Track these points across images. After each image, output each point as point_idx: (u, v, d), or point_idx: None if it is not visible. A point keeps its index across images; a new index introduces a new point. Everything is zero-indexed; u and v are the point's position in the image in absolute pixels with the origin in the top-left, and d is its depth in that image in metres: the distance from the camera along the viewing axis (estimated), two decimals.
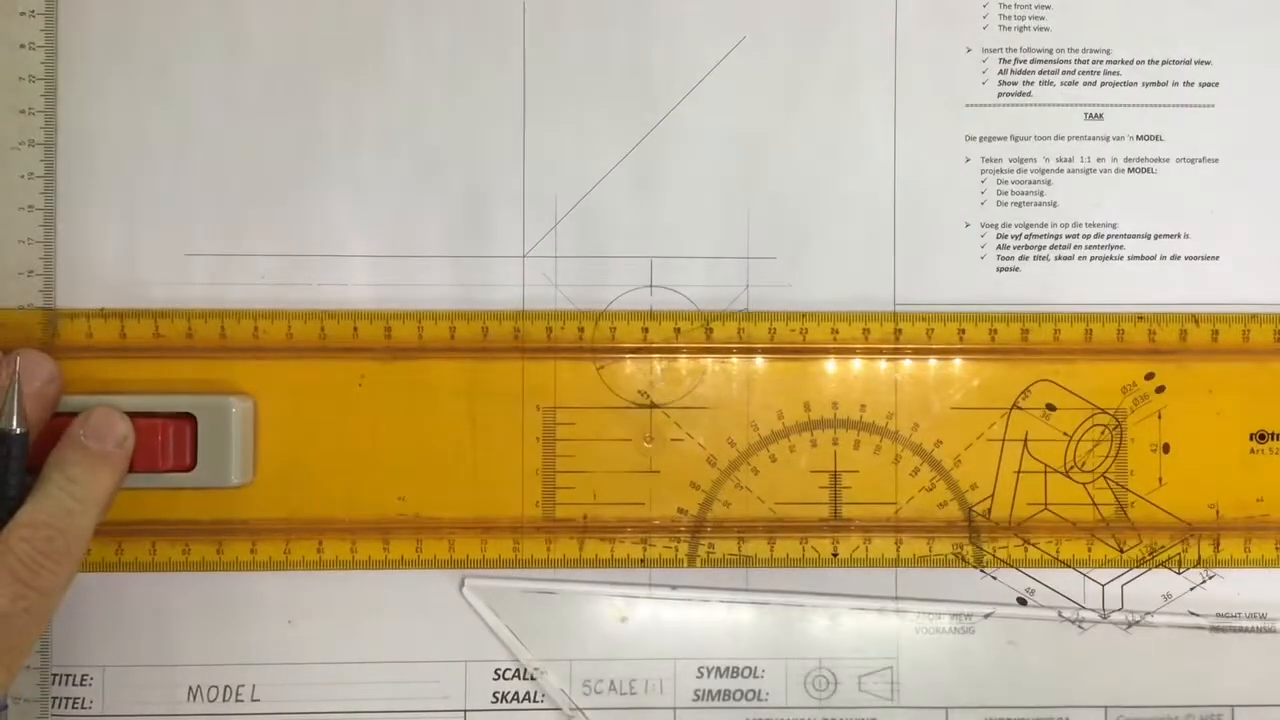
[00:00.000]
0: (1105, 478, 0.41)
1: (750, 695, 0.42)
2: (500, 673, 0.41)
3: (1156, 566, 0.42)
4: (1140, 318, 0.41)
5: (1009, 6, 0.42)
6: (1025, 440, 0.41)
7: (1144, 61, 0.42)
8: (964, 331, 0.41)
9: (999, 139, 0.42)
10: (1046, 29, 0.42)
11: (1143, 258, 0.42)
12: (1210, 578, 0.42)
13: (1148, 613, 0.42)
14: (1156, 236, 0.42)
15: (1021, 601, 0.42)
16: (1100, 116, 0.42)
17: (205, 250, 0.41)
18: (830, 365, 0.41)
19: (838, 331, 0.41)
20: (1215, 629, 0.42)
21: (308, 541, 0.41)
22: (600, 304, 0.41)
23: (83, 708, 0.41)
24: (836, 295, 0.42)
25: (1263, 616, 0.42)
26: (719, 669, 0.42)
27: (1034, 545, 0.41)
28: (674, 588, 0.41)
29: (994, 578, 0.42)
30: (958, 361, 0.41)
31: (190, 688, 0.41)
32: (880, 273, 0.42)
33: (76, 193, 0.41)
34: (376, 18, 0.41)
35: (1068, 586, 0.42)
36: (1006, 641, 0.42)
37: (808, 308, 0.41)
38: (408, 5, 0.41)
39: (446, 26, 0.41)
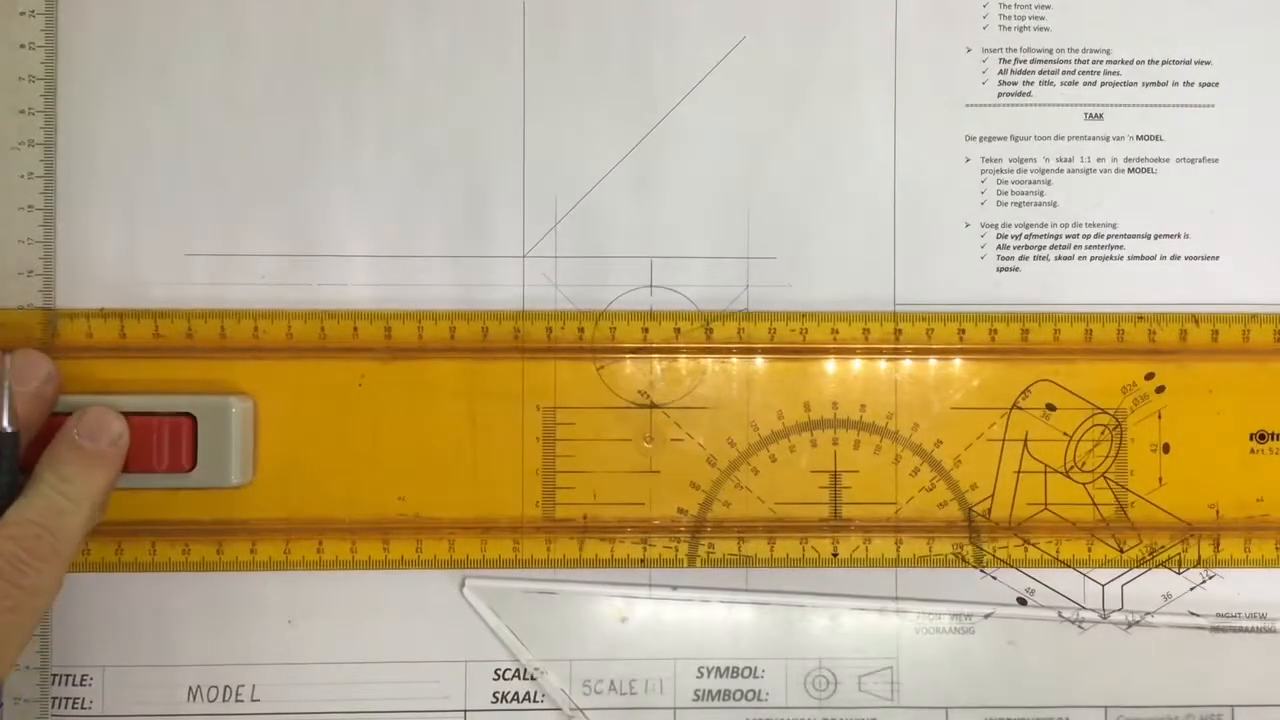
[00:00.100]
0: (1105, 478, 0.41)
1: (750, 695, 0.42)
2: (500, 673, 0.41)
3: (1156, 566, 0.42)
4: (1140, 318, 0.41)
5: (1009, 6, 0.42)
6: (1025, 440, 0.41)
7: (1144, 61, 0.42)
8: (964, 331, 0.41)
9: (999, 139, 0.42)
10: (1046, 29, 0.42)
11: (1143, 258, 0.42)
12: (1210, 578, 0.42)
13: (1148, 613, 0.42)
14: (1156, 236, 0.42)
15: (1021, 601, 0.42)
16: (1100, 116, 0.42)
17: (205, 250, 0.41)
18: (830, 365, 0.41)
19: (838, 331, 0.41)
20: (1215, 629, 0.42)
21: (308, 541, 0.41)
22: (600, 304, 0.41)
23: (83, 708, 0.41)
24: (836, 295, 0.42)
25: (1263, 616, 0.42)
26: (719, 669, 0.42)
27: (1034, 545, 0.41)
28: (674, 588, 0.41)
29: (994, 578, 0.42)
30: (958, 361, 0.41)
31: (190, 688, 0.41)
32: (880, 273, 0.42)
33: (76, 193, 0.41)
34: (376, 18, 0.41)
35: (1068, 586, 0.42)
36: (1006, 641, 0.42)
37: (808, 308, 0.41)
38: (408, 5, 0.41)
39: (446, 26, 0.41)
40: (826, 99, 0.42)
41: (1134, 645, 0.42)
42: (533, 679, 0.41)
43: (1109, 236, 0.42)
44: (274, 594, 0.41)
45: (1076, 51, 0.42)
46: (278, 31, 0.41)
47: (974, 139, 0.42)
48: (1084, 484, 0.41)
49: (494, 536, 0.41)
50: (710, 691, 0.42)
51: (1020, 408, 0.41)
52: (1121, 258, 0.42)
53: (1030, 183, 0.42)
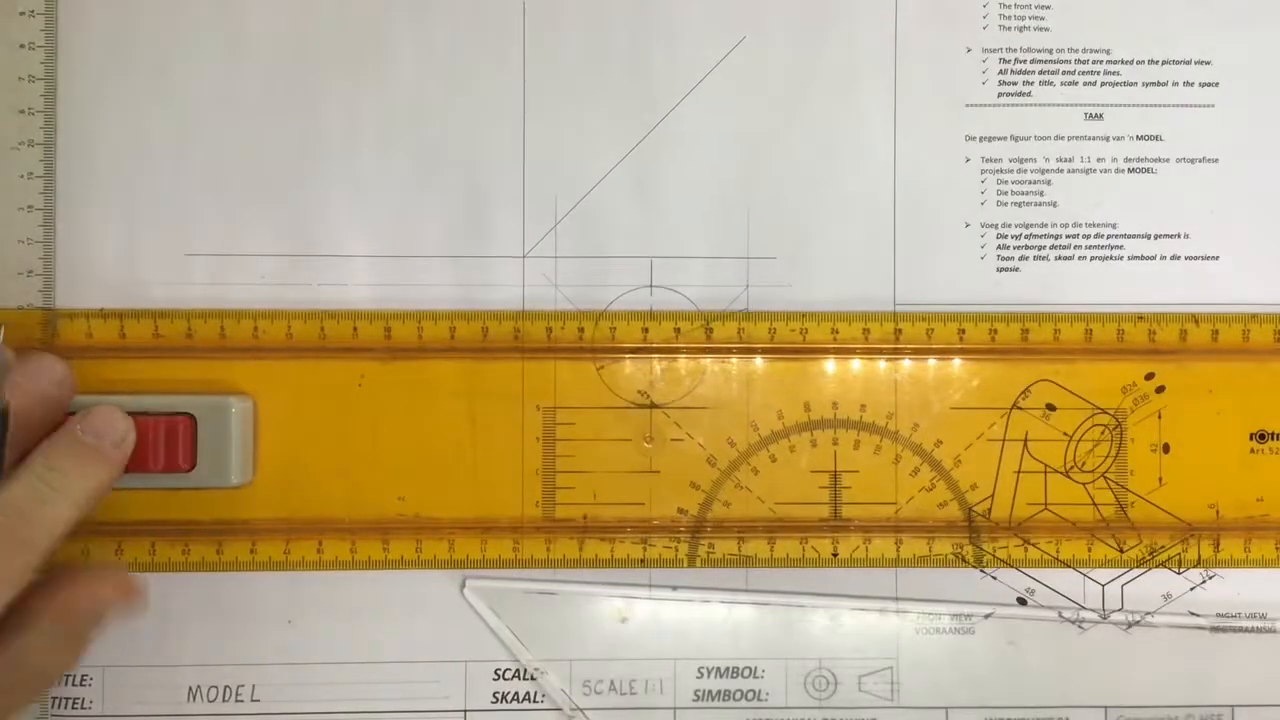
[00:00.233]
0: (1105, 478, 0.41)
1: (750, 695, 0.42)
2: (500, 673, 0.41)
3: (1156, 566, 0.42)
4: (1140, 318, 0.41)
5: (1009, 6, 0.42)
6: (1025, 440, 0.41)
7: (1144, 61, 0.42)
8: (964, 331, 0.41)
9: (999, 139, 0.42)
10: (1046, 29, 0.42)
11: (1143, 258, 0.42)
12: (1210, 578, 0.42)
13: (1148, 613, 0.42)
14: (1156, 236, 0.42)
15: (1021, 601, 0.42)
16: (1100, 116, 0.42)
17: (205, 250, 0.41)
18: (830, 365, 0.41)
19: (838, 331, 0.41)
20: (1215, 629, 0.42)
21: (308, 541, 0.41)
22: (600, 304, 0.41)
23: (83, 708, 0.41)
24: (836, 295, 0.42)
25: (1263, 616, 0.42)
26: (719, 669, 0.42)
27: (1034, 545, 0.41)
28: (674, 588, 0.41)
29: (994, 578, 0.42)
30: (957, 361, 0.41)
31: (190, 688, 0.41)
32: (880, 273, 0.42)
33: (76, 193, 0.41)
34: (376, 18, 0.41)
35: (1068, 586, 0.42)
36: (1006, 641, 0.42)
37: (808, 308, 0.41)
38: (408, 5, 0.41)
39: (446, 26, 0.41)
40: (826, 99, 0.42)
41: (1134, 645, 0.42)
42: (533, 679, 0.41)
43: (1109, 236, 0.42)
44: (274, 594, 0.41)
45: (1076, 51, 0.42)
46: (278, 31, 0.41)
47: (974, 139, 0.42)
48: (1084, 484, 0.41)
49: (494, 536, 0.41)
50: (710, 691, 0.42)
51: (1020, 408, 0.41)
52: (1121, 258, 0.42)
53: (1030, 183, 0.42)
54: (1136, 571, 0.42)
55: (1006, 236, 0.42)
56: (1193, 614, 0.42)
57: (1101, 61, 0.42)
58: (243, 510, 0.40)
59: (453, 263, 0.41)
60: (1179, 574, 0.42)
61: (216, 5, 0.41)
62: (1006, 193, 0.42)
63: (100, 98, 0.41)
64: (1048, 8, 0.42)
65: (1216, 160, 0.42)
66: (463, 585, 0.41)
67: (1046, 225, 0.42)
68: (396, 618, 0.41)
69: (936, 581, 0.42)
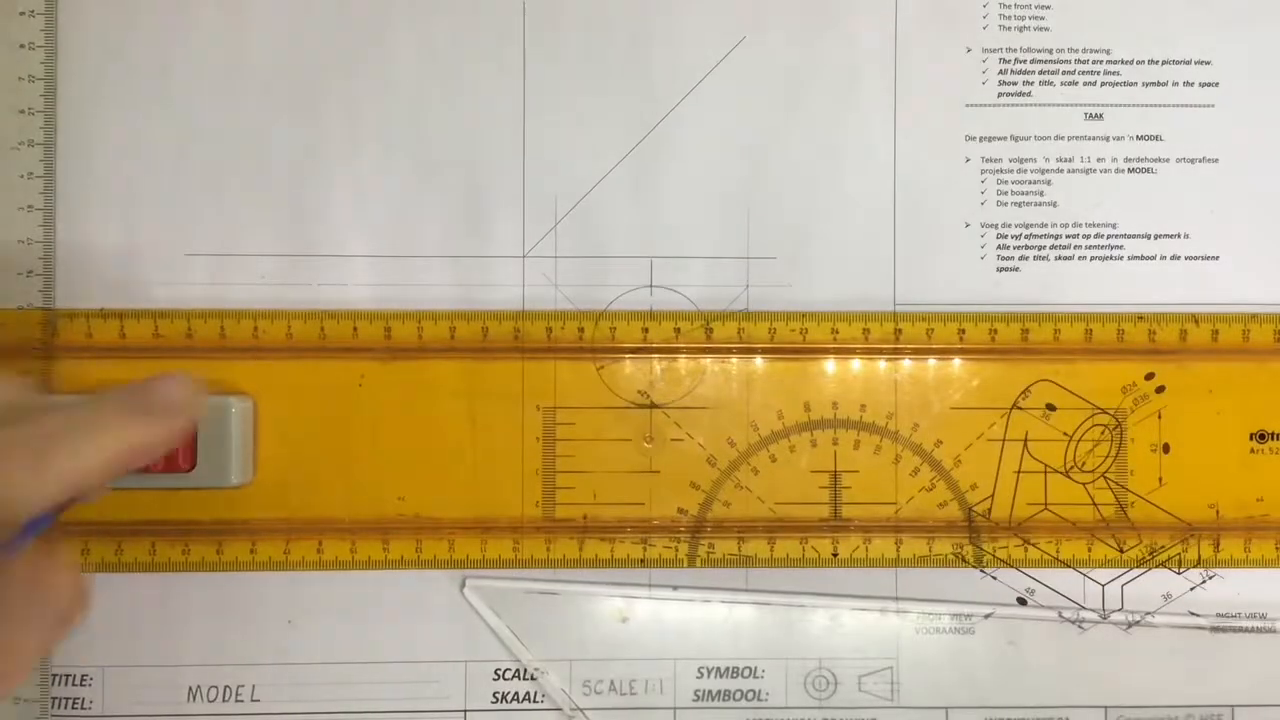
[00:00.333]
0: (1105, 478, 0.41)
1: (750, 695, 0.42)
2: (500, 673, 0.41)
3: (1156, 566, 0.42)
4: (1140, 318, 0.41)
5: (1009, 6, 0.42)
6: (1025, 440, 0.41)
7: (1144, 61, 0.42)
8: (964, 331, 0.41)
9: (999, 139, 0.42)
10: (1046, 29, 0.42)
11: (1143, 258, 0.42)
12: (1210, 578, 0.42)
13: (1148, 613, 0.42)
14: (1156, 236, 0.42)
15: (1021, 601, 0.42)
16: (1100, 116, 0.42)
17: (205, 250, 0.41)
18: (830, 365, 0.41)
19: (838, 331, 0.41)
20: (1215, 629, 0.42)
21: (308, 541, 0.41)
22: (600, 304, 0.41)
23: (83, 708, 0.41)
24: (836, 295, 0.42)
25: (1263, 616, 0.42)
26: (719, 669, 0.42)
27: (1034, 545, 0.41)
28: (675, 588, 0.41)
29: (994, 578, 0.42)
30: (957, 361, 0.41)
31: (190, 688, 0.41)
32: (880, 273, 0.42)
33: (76, 193, 0.41)
34: (376, 18, 0.41)
35: (1068, 586, 0.42)
36: (1006, 641, 0.42)
37: (808, 308, 0.41)
38: (408, 5, 0.41)
39: (446, 26, 0.41)
40: (826, 99, 0.42)
41: (1134, 645, 0.42)
42: (533, 679, 0.41)
43: (1109, 236, 0.42)
44: (274, 594, 0.41)
45: (1076, 51, 0.42)
46: (278, 32, 0.41)
47: (974, 139, 0.42)
48: (1084, 484, 0.41)
49: (494, 536, 0.41)
50: (710, 692, 0.42)
51: (1020, 408, 0.41)
52: (1121, 258, 0.42)
53: (1030, 183, 0.42)
54: (1136, 571, 0.42)
55: (1006, 236, 0.42)
56: (1193, 614, 0.42)
57: (1101, 61, 0.42)
58: (242, 510, 0.40)
59: (453, 263, 0.41)
60: (1179, 574, 0.42)
61: (216, 5, 0.41)
62: (1006, 193, 0.42)
63: (100, 98, 0.41)
64: (1048, 8, 0.42)
65: (1216, 160, 0.42)
66: (463, 585, 0.41)
67: (1046, 225, 0.42)
68: (396, 618, 0.41)
69: (936, 581, 0.42)
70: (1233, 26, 0.42)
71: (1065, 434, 0.41)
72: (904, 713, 0.42)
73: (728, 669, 0.42)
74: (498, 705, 0.41)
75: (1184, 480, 0.41)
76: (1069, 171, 0.42)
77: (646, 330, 0.41)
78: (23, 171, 0.40)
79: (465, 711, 0.41)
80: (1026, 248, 0.42)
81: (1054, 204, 0.42)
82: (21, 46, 0.40)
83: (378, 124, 0.41)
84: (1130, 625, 0.42)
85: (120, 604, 0.41)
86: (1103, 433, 0.41)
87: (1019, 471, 0.41)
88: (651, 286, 0.41)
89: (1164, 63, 0.42)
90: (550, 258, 0.41)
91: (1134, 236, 0.42)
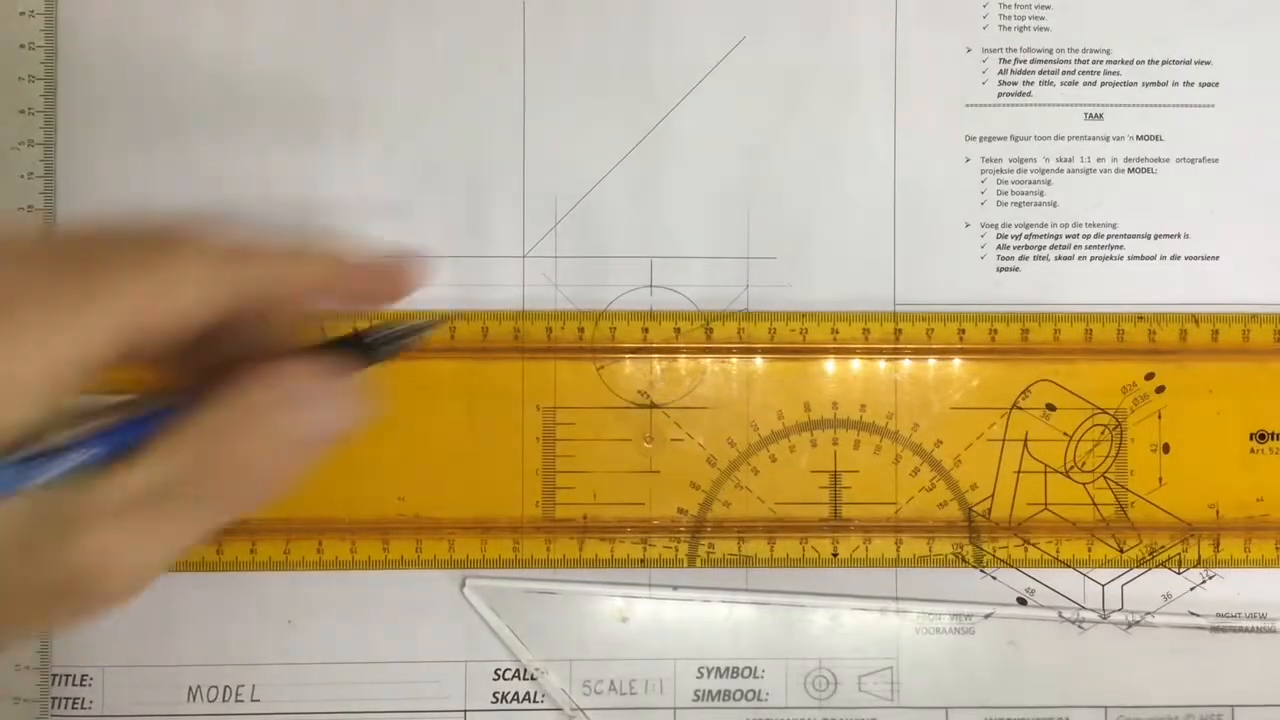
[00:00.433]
0: (1105, 478, 0.41)
1: (750, 695, 0.42)
2: (500, 673, 0.41)
3: (1156, 566, 0.42)
4: (1140, 318, 0.41)
5: (1009, 6, 0.42)
6: (1025, 440, 0.41)
7: (1144, 61, 0.42)
8: (964, 331, 0.41)
9: (999, 139, 0.42)
10: (1046, 29, 0.42)
11: (1143, 258, 0.42)
12: (1210, 578, 0.42)
13: (1148, 613, 0.42)
14: (1156, 236, 0.42)
15: (1021, 601, 0.42)
16: (1100, 116, 0.42)
17: None
18: (830, 365, 0.41)
19: (838, 331, 0.41)
20: (1215, 629, 0.42)
21: (308, 541, 0.41)
22: (600, 304, 0.41)
23: (83, 708, 0.41)
24: (836, 295, 0.42)
25: (1263, 616, 0.42)
26: (719, 669, 0.42)
27: (1034, 545, 0.41)
28: (675, 588, 0.41)
29: (994, 578, 0.42)
30: (957, 361, 0.41)
31: (190, 688, 0.41)
32: (880, 273, 0.42)
33: (76, 193, 0.41)
34: (376, 18, 0.41)
35: (1068, 586, 0.42)
36: (1007, 641, 0.42)
37: (808, 308, 0.41)
38: (408, 5, 0.41)
39: (446, 26, 0.41)
40: (826, 99, 0.42)
41: (1134, 645, 0.42)
42: (533, 679, 0.41)
43: (1109, 236, 0.42)
44: (274, 594, 0.41)
45: (1076, 51, 0.42)
46: (278, 31, 0.41)
47: (974, 139, 0.42)
48: (1084, 484, 0.41)
49: (494, 536, 0.41)
50: (710, 692, 0.41)
51: (1020, 408, 0.41)
52: (1121, 258, 0.42)
53: (1030, 183, 0.42)
54: (1136, 571, 0.42)
55: (1006, 236, 0.42)
56: (1193, 614, 0.42)
57: (1101, 61, 0.42)
58: None
59: (453, 263, 0.41)
60: (1179, 574, 0.42)
61: (216, 5, 0.41)
62: (1006, 193, 0.42)
63: (100, 98, 0.41)
64: (1048, 8, 0.42)
65: (1216, 160, 0.42)
66: (463, 584, 0.41)
67: (1046, 225, 0.42)
68: (396, 618, 0.41)
69: (936, 581, 0.42)
70: (1233, 26, 0.42)
71: (1065, 434, 0.41)
72: (904, 713, 0.42)
73: (728, 669, 0.42)
74: (497, 705, 0.41)
75: (1184, 480, 0.41)
76: (1069, 171, 0.42)
77: (646, 330, 0.41)
78: (23, 171, 0.40)
79: (465, 711, 0.41)
80: (1026, 248, 0.42)
81: (1054, 204, 0.42)
82: (21, 46, 0.40)
83: (378, 124, 0.41)
84: (1130, 625, 0.42)
85: None
86: (1103, 433, 0.41)
87: (1019, 471, 0.41)
88: (651, 286, 0.41)
89: (1164, 63, 0.42)
90: (550, 258, 0.41)
91: (1134, 236, 0.42)
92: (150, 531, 0.24)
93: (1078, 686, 0.42)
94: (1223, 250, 0.42)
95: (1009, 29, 0.42)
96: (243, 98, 0.41)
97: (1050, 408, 0.41)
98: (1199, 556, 0.41)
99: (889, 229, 0.42)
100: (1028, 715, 0.42)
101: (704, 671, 0.42)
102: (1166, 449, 0.41)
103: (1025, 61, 0.42)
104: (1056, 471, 0.41)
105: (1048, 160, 0.42)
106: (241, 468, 0.25)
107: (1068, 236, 0.42)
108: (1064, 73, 0.42)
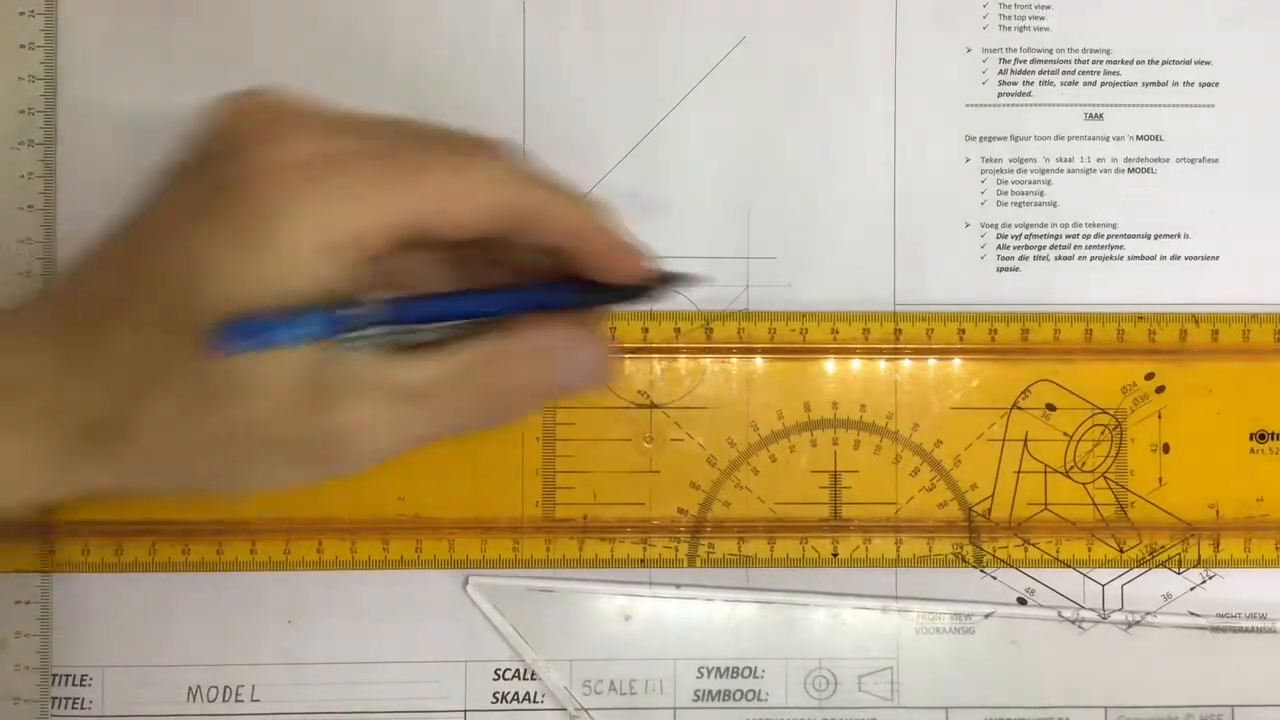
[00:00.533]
0: (1105, 478, 0.41)
1: (750, 695, 0.42)
2: (500, 673, 0.41)
3: (1156, 566, 0.42)
4: (1140, 318, 0.41)
5: (1009, 6, 0.42)
6: (1025, 440, 0.41)
7: (1144, 61, 0.42)
8: (964, 331, 0.41)
9: (999, 139, 0.42)
10: (1046, 29, 0.42)
11: (1143, 258, 0.42)
12: (1210, 578, 0.42)
13: (1148, 613, 0.42)
14: (1156, 236, 0.42)
15: (1021, 601, 0.42)
16: (1100, 116, 0.42)
17: None
18: (830, 365, 0.41)
19: (838, 331, 0.41)
20: (1215, 629, 0.42)
21: (308, 541, 0.41)
22: None
23: (83, 708, 0.41)
24: (836, 295, 0.42)
25: (1263, 616, 0.42)
26: (719, 669, 0.42)
27: (1034, 545, 0.41)
28: (678, 586, 0.41)
29: (994, 578, 0.42)
30: (957, 361, 0.41)
31: (190, 688, 0.41)
32: (880, 273, 0.42)
33: (76, 193, 0.41)
34: (377, 18, 0.41)
35: (1068, 586, 0.42)
36: (1007, 641, 0.42)
37: (808, 308, 0.41)
38: (408, 5, 0.41)
39: (446, 26, 0.41)
40: (826, 99, 0.42)
41: (1134, 645, 0.42)
42: (533, 679, 0.41)
43: (1109, 236, 0.42)
44: (274, 594, 0.41)
45: (1076, 51, 0.42)
46: (278, 31, 0.41)
47: (974, 139, 0.42)
48: (1084, 484, 0.41)
49: (494, 536, 0.41)
50: (710, 691, 0.41)
51: (1020, 408, 0.41)
52: (1121, 258, 0.42)
53: (1030, 183, 0.42)
54: (1136, 571, 0.42)
55: (1006, 236, 0.42)
56: (1193, 614, 0.42)
57: (1101, 61, 0.42)
58: (242, 510, 0.40)
59: None
60: (1179, 574, 0.42)
61: (216, 5, 0.41)
62: (1006, 193, 0.42)
63: (100, 98, 0.41)
64: (1048, 8, 0.42)
65: (1216, 160, 0.42)
66: (465, 582, 0.41)
67: (1046, 225, 0.42)
68: (396, 618, 0.41)
69: (936, 581, 0.42)
70: (1233, 26, 0.42)
71: (1065, 434, 0.41)
72: (904, 713, 0.42)
73: (728, 669, 0.42)
74: (498, 705, 0.41)
75: (1184, 480, 0.41)
76: (1069, 171, 0.42)
77: (646, 330, 0.41)
78: (23, 171, 0.40)
79: (465, 711, 0.41)
80: (1026, 248, 0.42)
81: (1054, 204, 0.42)
82: (21, 46, 0.40)
83: None
84: (1130, 625, 0.42)
85: (120, 604, 0.41)
86: (1103, 433, 0.41)
87: (1019, 471, 0.41)
88: None
89: (1164, 63, 0.42)
90: None
91: (1134, 236, 0.42)
92: (407, 421, 0.27)
93: (1078, 686, 0.42)
94: (1223, 250, 0.42)
95: (1009, 29, 0.42)
96: None
97: (1050, 408, 0.41)
98: (1199, 556, 0.41)
99: (889, 229, 0.42)
100: (1028, 715, 0.42)
101: (704, 671, 0.42)
102: (1166, 449, 0.41)
103: (1025, 61, 0.42)
104: (1056, 471, 0.41)
105: (1048, 160, 0.42)
106: (499, 395, 0.29)
107: (1068, 236, 0.42)
108: (1064, 73, 0.42)
